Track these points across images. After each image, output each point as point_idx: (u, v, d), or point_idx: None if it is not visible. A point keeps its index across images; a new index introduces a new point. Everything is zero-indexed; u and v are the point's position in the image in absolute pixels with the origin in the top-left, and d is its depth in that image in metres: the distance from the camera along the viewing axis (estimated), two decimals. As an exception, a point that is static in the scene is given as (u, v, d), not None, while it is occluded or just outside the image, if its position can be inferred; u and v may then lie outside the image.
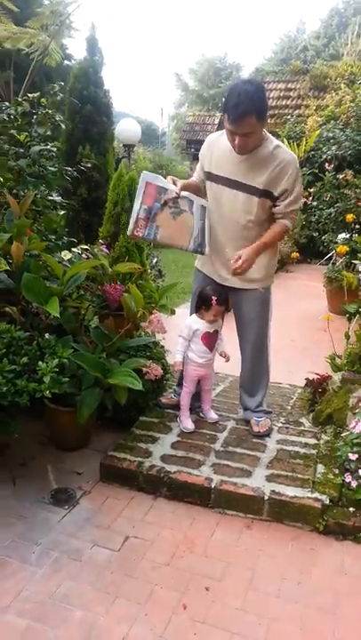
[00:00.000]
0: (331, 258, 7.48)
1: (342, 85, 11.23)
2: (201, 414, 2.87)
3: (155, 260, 6.08)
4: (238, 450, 2.56)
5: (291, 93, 13.10)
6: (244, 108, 2.13)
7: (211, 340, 2.65)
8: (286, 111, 12.21)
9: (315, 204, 8.60)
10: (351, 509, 2.21)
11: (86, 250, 2.64)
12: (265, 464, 2.44)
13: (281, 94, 13.17)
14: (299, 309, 6.36)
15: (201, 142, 2.80)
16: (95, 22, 4.87)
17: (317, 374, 3.31)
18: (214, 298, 2.54)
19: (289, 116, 11.49)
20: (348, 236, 7.09)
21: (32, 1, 6.44)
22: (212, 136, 2.59)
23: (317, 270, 7.80)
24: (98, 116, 4.56)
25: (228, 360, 2.72)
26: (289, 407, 3.15)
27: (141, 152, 16.71)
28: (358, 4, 27.31)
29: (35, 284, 2.31)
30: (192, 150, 16.23)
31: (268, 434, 2.69)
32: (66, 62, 9.95)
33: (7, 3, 3.77)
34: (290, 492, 2.24)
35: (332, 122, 9.99)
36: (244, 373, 2.82)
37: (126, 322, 2.71)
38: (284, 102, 12.89)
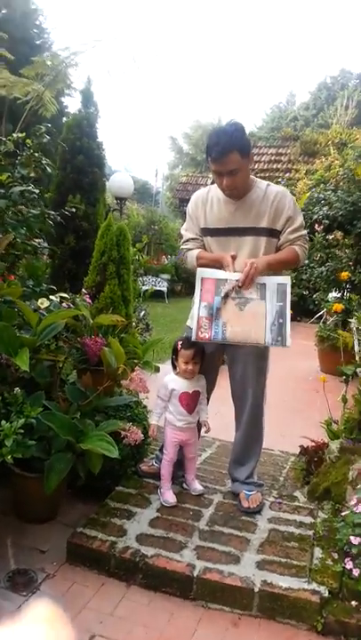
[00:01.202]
0: (321, 317, 7.38)
1: (331, 150, 11.61)
2: (184, 485, 2.58)
3: (142, 313, 5.91)
4: (225, 529, 2.26)
5: (282, 158, 13.55)
6: (224, 145, 2.10)
7: (190, 401, 2.41)
8: (277, 174, 12.56)
9: (306, 262, 8.61)
10: (353, 603, 1.91)
11: (66, 298, 2.44)
12: (255, 547, 2.15)
13: (272, 158, 13.61)
14: (290, 368, 6.15)
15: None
16: (92, 77, 4.91)
17: (312, 441, 3.05)
18: (179, 343, 2.35)
19: (280, 179, 11.78)
20: (338, 294, 7.03)
21: (33, 53, 6.66)
22: (198, 193, 2.46)
23: (308, 328, 7.67)
24: (89, 167, 4.53)
25: (208, 431, 2.49)
26: (282, 478, 2.87)
27: (135, 208, 17.03)
28: (345, 79, 29.13)
29: (4, 333, 2.09)
30: (184, 208, 16.54)
31: (258, 510, 2.40)
32: (64, 119, 10.23)
33: (3, 52, 3.82)
34: (283, 582, 1.94)
35: (321, 185, 10.24)
36: (236, 440, 2.57)
37: (106, 378, 2.47)
38: (275, 166, 13.30)
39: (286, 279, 2.21)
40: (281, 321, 2.16)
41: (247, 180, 2.27)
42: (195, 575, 1.98)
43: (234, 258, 2.24)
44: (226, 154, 2.11)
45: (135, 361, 2.69)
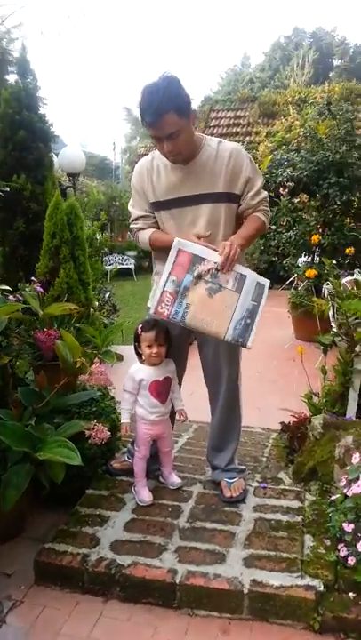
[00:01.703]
0: (292, 282, 7.22)
1: (291, 110, 11.32)
2: (161, 479, 2.39)
3: (107, 295, 5.63)
4: (208, 524, 2.08)
5: (240, 121, 13.18)
6: (158, 105, 1.82)
7: (162, 389, 2.20)
8: (237, 138, 12.20)
9: (273, 227, 8.40)
10: (351, 595, 1.76)
11: (8, 291, 2.17)
12: (241, 542, 1.98)
13: (231, 122, 13.24)
14: (263, 337, 5.94)
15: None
16: (26, 44, 4.45)
17: (293, 414, 2.89)
18: (139, 327, 2.14)
19: (240, 143, 11.46)
20: (308, 259, 6.86)
21: None
22: (142, 162, 2.16)
23: (279, 295, 7.53)
24: (33, 142, 4.14)
25: (185, 420, 2.30)
26: (264, 458, 2.71)
27: (95, 185, 16.46)
28: (299, 38, 28.56)
29: None
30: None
31: (242, 498, 2.23)
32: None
33: None
34: (274, 579, 1.78)
35: (283, 147, 9.99)
36: (213, 425, 2.38)
37: (63, 374, 2.23)
38: (234, 129, 12.93)
39: (266, 282, 2.00)
40: (249, 321, 1.94)
41: (192, 141, 2.00)
42: (177, 582, 1.80)
43: (199, 238, 1.98)
44: (161, 116, 1.83)
45: (95, 352, 2.45)
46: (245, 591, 1.75)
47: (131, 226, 2.20)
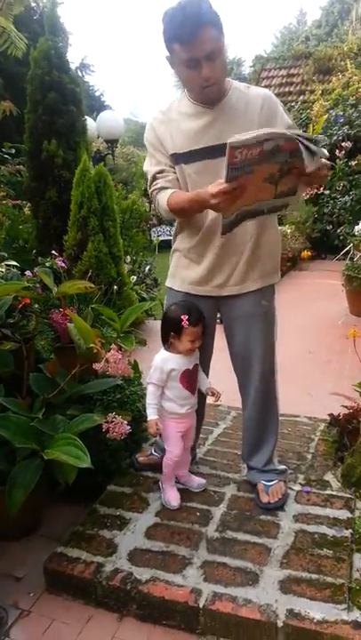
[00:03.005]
0: (348, 252, 6.69)
1: (348, 65, 10.41)
2: (180, 483, 2.12)
3: (147, 268, 5.36)
4: (240, 535, 1.81)
5: (294, 79, 12.31)
6: (195, 19, 1.52)
7: (193, 378, 1.92)
8: (290, 98, 11.42)
9: (327, 192, 7.79)
10: None
11: (16, 267, 1.94)
12: (278, 559, 1.70)
13: (283, 81, 12.40)
14: (315, 313, 5.58)
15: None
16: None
17: (345, 404, 2.54)
18: (184, 317, 1.79)
19: (293, 103, 10.70)
20: (366, 226, 6.29)
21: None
22: (155, 116, 1.83)
23: (333, 266, 7.03)
24: (64, 105, 3.87)
25: (218, 398, 1.99)
26: (309, 455, 2.39)
27: (144, 156, 16.08)
28: (359, -13, 26.43)
29: None
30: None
31: (281, 505, 1.94)
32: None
33: None
34: (315, 611, 1.50)
35: (340, 105, 9.23)
36: (246, 420, 2.09)
37: (80, 360, 1.99)
38: (286, 89, 12.11)
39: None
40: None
41: (226, 72, 1.71)
42: (200, 606, 1.55)
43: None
44: (201, 27, 1.53)
45: (114, 336, 2.20)
46: (280, 624, 1.48)
47: (150, 190, 1.85)
